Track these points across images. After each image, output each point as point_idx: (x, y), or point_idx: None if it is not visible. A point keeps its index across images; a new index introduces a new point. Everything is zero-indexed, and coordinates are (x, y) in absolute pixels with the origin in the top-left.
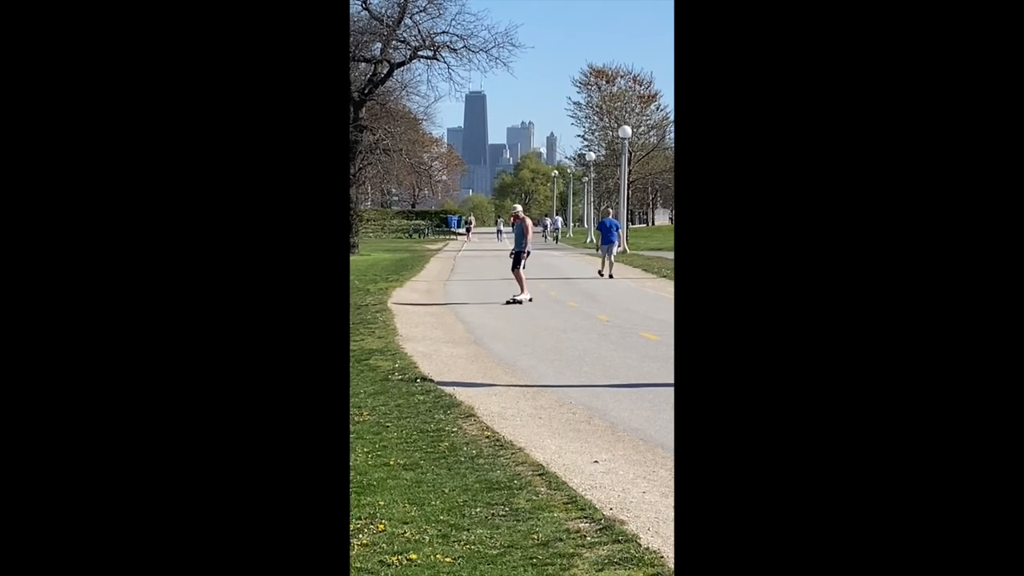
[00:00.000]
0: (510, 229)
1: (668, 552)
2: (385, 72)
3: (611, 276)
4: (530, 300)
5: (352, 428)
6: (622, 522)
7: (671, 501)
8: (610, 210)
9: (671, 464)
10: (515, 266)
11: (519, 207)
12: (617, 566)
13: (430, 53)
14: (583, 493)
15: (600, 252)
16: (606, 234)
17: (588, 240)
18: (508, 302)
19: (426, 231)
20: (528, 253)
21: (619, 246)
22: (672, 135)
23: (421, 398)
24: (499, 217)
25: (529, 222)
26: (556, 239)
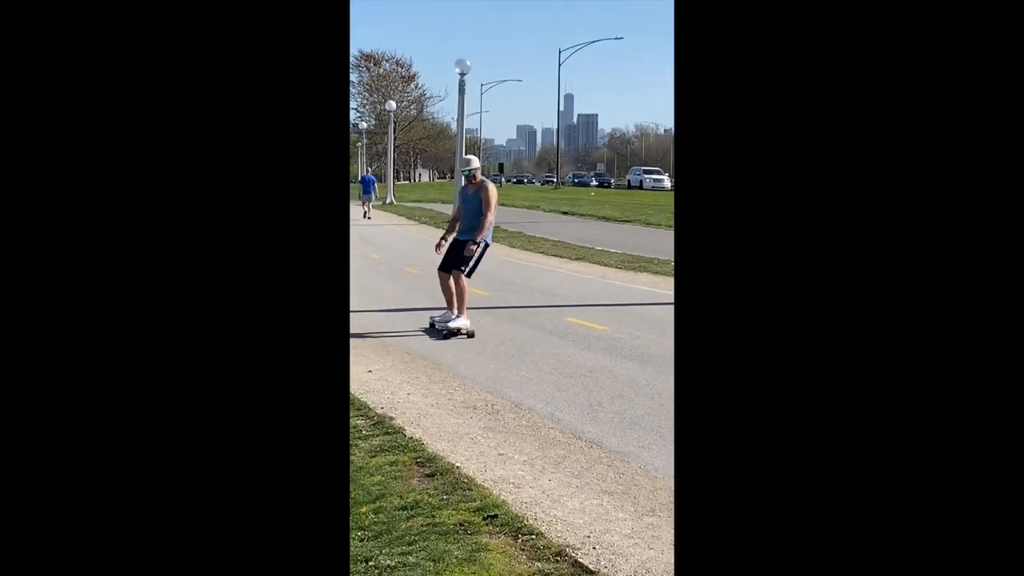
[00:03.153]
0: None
1: (428, 440)
2: None
3: (369, 217)
4: (470, 336)
5: None
6: (391, 418)
7: (431, 400)
8: (369, 168)
9: (431, 371)
10: (462, 264)
11: (474, 159)
12: (387, 452)
13: None
14: (359, 396)
15: (361, 200)
16: (365, 186)
17: (359, 195)
18: (443, 333)
19: None
20: (486, 247)
21: (375, 196)
22: (428, 108)
23: None
24: None
25: (492, 190)
26: None
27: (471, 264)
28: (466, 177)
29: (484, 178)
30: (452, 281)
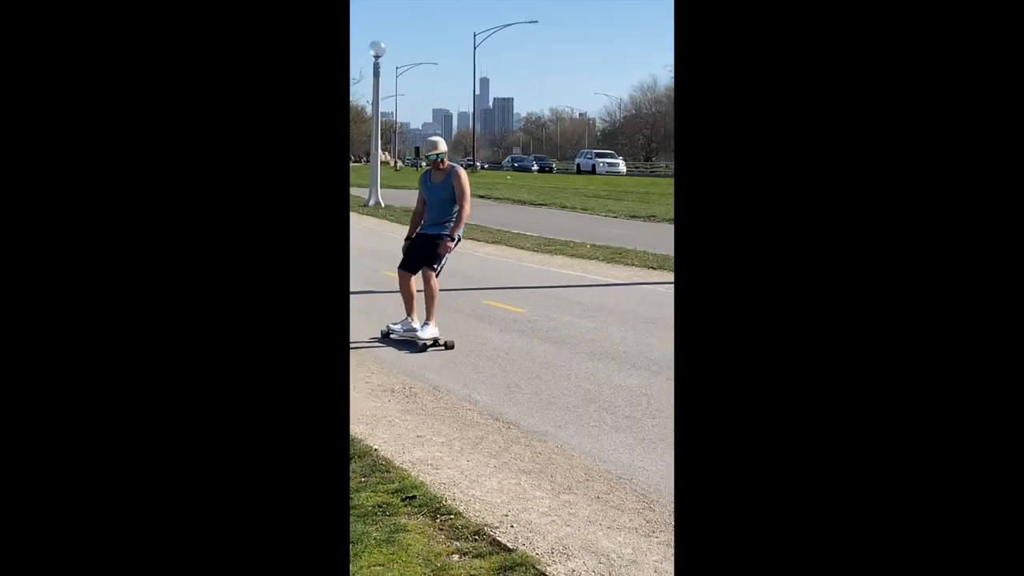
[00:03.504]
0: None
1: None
2: None
3: None
4: (448, 347)
5: None
6: None
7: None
8: None
9: (359, 356)
10: (435, 263)
11: (441, 141)
12: None
13: None
14: None
15: None
16: None
17: None
18: (419, 346)
19: None
20: (458, 241)
21: None
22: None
23: None
24: None
25: (464, 177)
26: None
27: (443, 263)
28: (431, 163)
29: (453, 164)
30: (422, 282)
